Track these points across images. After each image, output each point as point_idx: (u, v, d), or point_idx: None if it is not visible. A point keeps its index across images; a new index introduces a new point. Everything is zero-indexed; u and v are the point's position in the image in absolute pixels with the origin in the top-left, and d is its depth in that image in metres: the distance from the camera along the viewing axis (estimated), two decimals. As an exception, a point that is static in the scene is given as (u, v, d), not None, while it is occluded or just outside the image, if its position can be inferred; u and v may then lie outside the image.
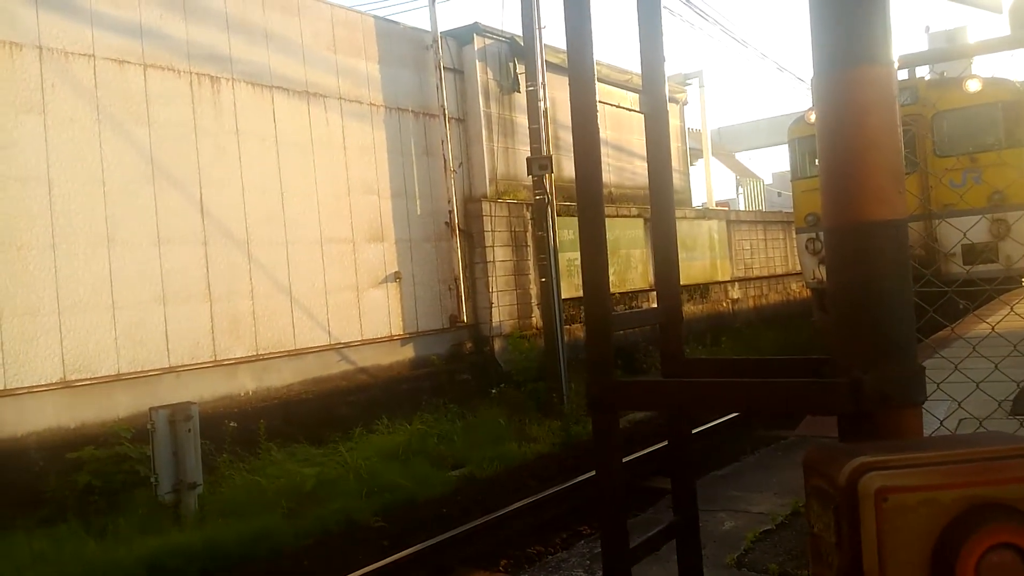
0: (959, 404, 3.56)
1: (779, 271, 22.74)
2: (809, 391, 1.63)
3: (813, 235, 13.24)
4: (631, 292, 15.94)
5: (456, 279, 12.71)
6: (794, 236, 16.38)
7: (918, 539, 1.39)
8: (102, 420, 8.39)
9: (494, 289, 13.03)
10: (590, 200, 1.94)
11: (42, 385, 8.10)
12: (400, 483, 8.29)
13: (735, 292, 20.19)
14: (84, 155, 8.60)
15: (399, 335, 11.96)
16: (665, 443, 8.43)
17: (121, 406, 8.59)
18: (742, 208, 30.03)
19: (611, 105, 15.60)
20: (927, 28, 20.58)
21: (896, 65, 1.70)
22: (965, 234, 11.05)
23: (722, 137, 34.79)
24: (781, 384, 1.68)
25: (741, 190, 32.21)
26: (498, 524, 7.16)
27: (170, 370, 9.11)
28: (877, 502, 1.38)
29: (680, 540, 2.13)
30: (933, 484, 1.39)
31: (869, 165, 1.58)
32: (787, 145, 14.55)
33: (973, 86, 11.81)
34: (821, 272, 13.16)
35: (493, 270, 13.08)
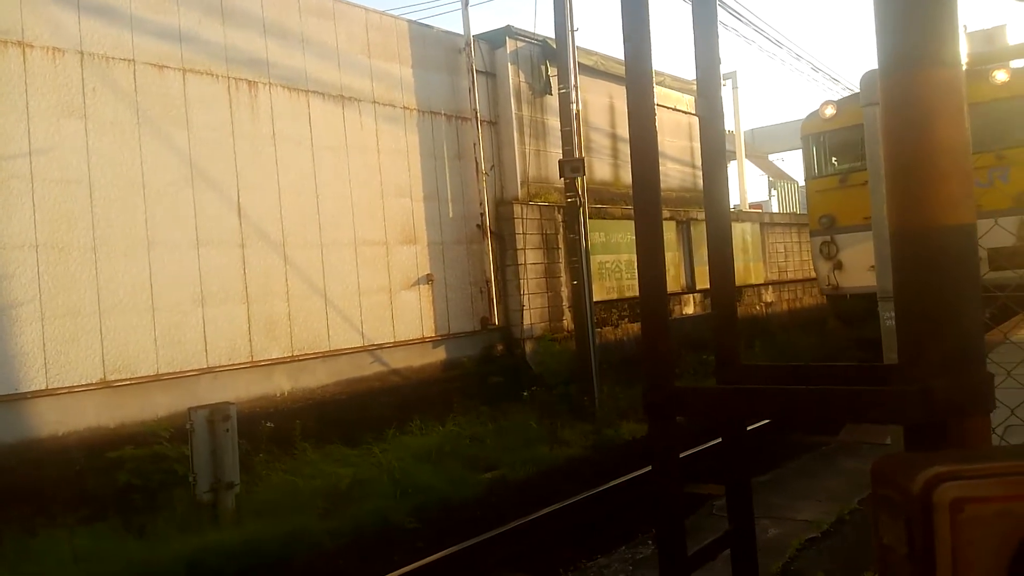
0: (1012, 411, 3.48)
1: (814, 274, 22.44)
2: (879, 399, 1.59)
3: (827, 238, 12.73)
4: (663, 295, 15.80)
5: (488, 281, 12.71)
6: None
7: (995, 551, 1.36)
8: (141, 420, 8.50)
9: (525, 292, 13.02)
10: (647, 206, 1.91)
11: (83, 385, 8.22)
12: (433, 484, 8.30)
13: (769, 295, 19.98)
14: (124, 158, 8.72)
15: (431, 337, 11.99)
16: (702, 447, 8.42)
17: (160, 406, 8.69)
18: (776, 210, 29.71)
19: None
20: (964, 27, 20.16)
21: (966, 65, 1.67)
22: None
23: (755, 138, 34.42)
24: (849, 392, 1.64)
25: (775, 192, 31.83)
26: (532, 527, 7.14)
27: (208, 370, 9.21)
28: (952, 513, 1.35)
29: (735, 550, 2.10)
30: (1010, 495, 1.36)
31: (939, 169, 1.55)
32: (800, 142, 13.38)
33: (1000, 77, 11.00)
34: (836, 277, 12.75)
35: (524, 272, 13.07)
